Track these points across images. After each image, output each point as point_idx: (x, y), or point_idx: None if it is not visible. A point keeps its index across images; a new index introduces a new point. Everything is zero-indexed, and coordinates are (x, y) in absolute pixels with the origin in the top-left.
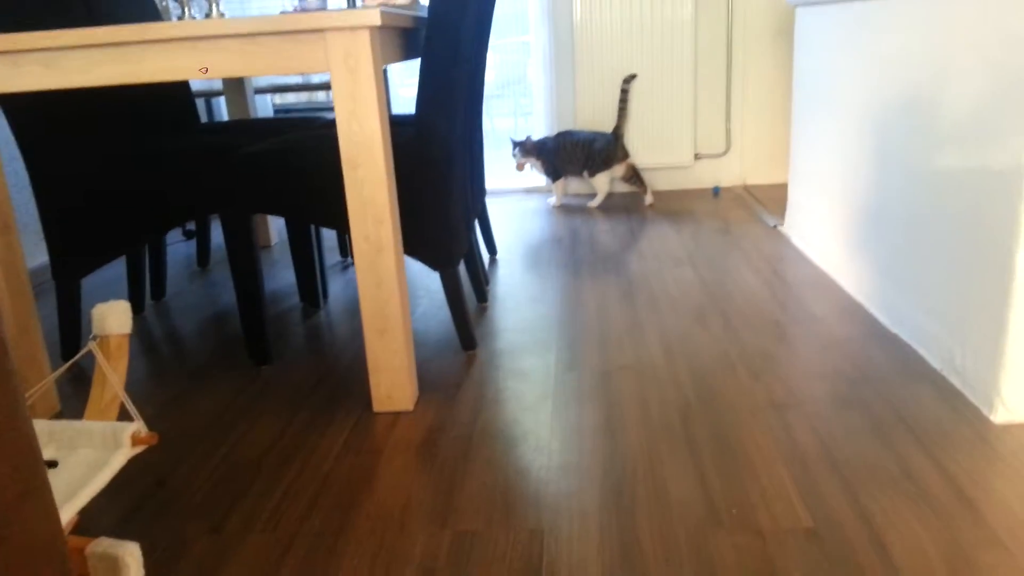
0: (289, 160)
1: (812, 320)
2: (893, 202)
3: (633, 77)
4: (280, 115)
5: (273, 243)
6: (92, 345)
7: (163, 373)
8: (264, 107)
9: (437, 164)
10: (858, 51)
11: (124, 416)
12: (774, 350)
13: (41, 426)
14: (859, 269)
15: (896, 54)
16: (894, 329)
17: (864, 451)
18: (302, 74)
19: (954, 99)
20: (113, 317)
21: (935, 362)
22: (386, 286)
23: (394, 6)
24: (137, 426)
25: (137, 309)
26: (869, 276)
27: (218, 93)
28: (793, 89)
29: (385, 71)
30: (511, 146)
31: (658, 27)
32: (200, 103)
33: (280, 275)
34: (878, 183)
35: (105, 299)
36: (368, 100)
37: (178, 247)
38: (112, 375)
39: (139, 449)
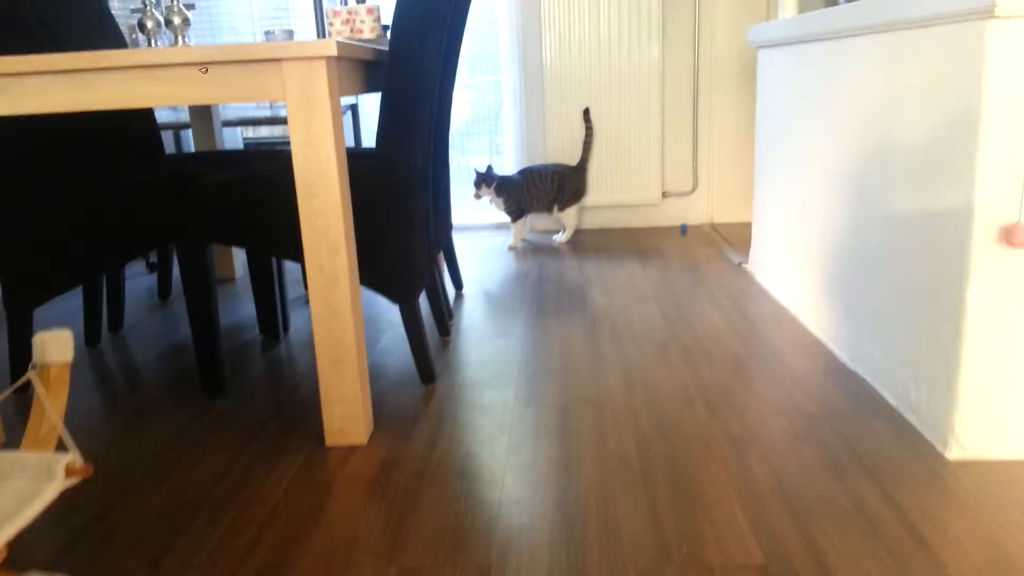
0: (247, 190)
1: (772, 356)
2: (851, 239)
3: (587, 111)
4: (249, 148)
5: (237, 276)
6: (32, 374)
7: (114, 406)
8: (234, 140)
9: (396, 196)
10: (814, 91)
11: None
12: (733, 385)
13: None
14: (819, 306)
15: (849, 95)
16: (852, 365)
17: (818, 487)
18: (260, 103)
19: (905, 138)
20: (54, 345)
21: (891, 399)
22: (340, 317)
23: (361, 39)
24: (71, 457)
25: (93, 341)
26: (829, 312)
27: (186, 126)
28: (756, 129)
29: (356, 107)
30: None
31: (626, 67)
32: (168, 136)
33: (243, 308)
34: (837, 220)
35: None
36: (324, 129)
37: (140, 279)
38: (50, 405)
39: (73, 481)
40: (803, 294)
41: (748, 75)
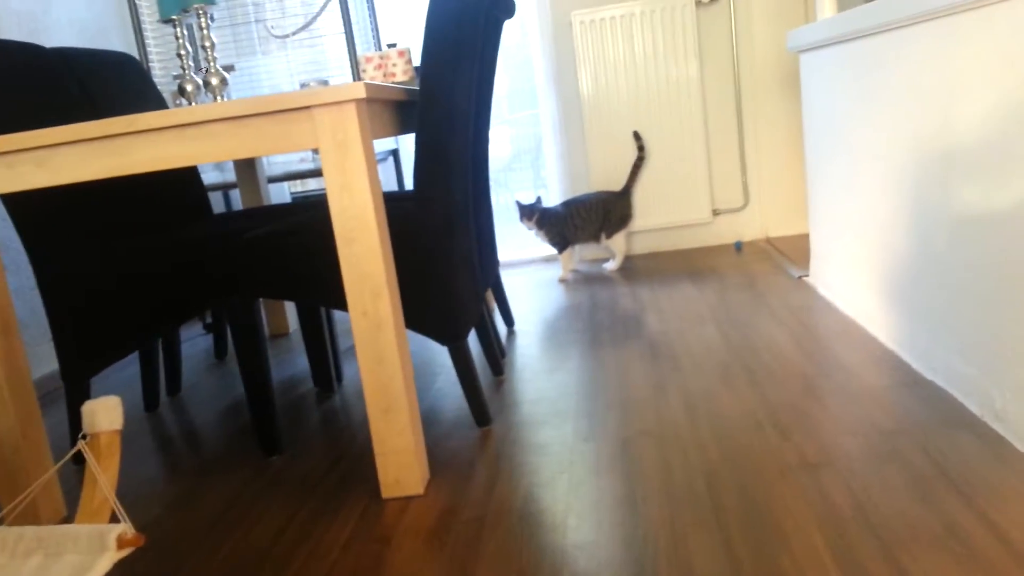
0: (285, 241)
1: (843, 371)
2: (917, 242)
3: (637, 133)
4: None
5: (291, 330)
6: (82, 444)
7: (173, 470)
8: (283, 196)
9: (437, 235)
10: (863, 91)
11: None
12: (803, 405)
13: (29, 532)
14: (890, 316)
15: (902, 90)
16: (929, 376)
17: (905, 510)
18: (303, 156)
19: (967, 130)
20: (103, 413)
21: (975, 408)
22: (388, 363)
23: (395, 83)
24: (123, 528)
25: (152, 406)
26: (901, 322)
27: (233, 185)
28: (805, 138)
29: (397, 152)
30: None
31: (664, 87)
32: (218, 196)
33: (297, 361)
34: (900, 223)
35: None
36: (358, 173)
37: (198, 341)
38: (101, 475)
39: (125, 552)
40: (870, 304)
41: (791, 82)
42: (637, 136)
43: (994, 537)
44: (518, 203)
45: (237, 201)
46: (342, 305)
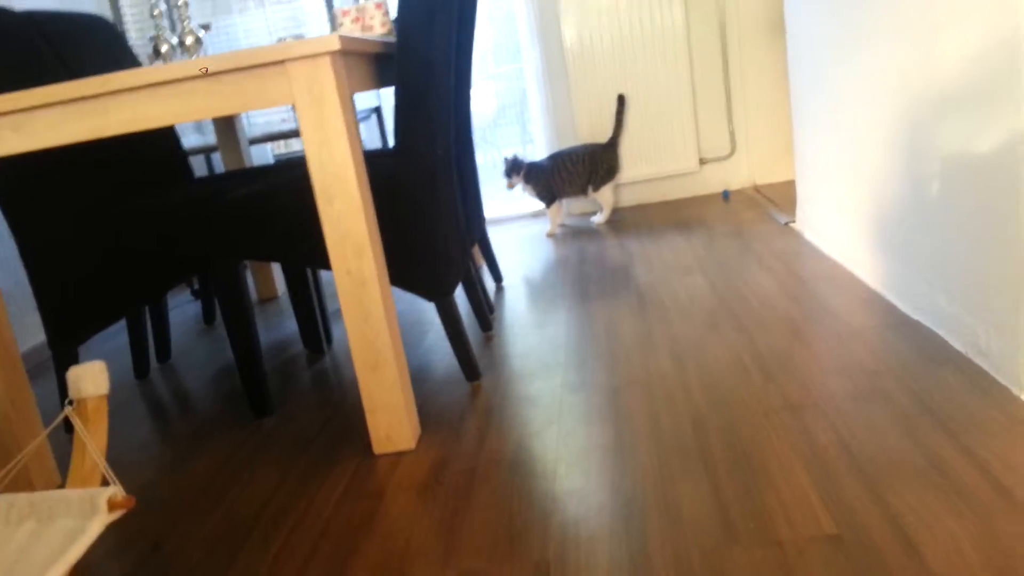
0: (266, 202)
1: (828, 314)
2: (900, 184)
3: (622, 96)
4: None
5: (280, 293)
6: (68, 410)
7: (165, 435)
8: (265, 158)
9: (420, 190)
10: (848, 32)
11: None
12: (789, 349)
13: (21, 499)
14: (875, 258)
15: (886, 30)
16: (914, 315)
17: (888, 446)
18: (284, 116)
19: (949, 68)
20: (88, 378)
21: (959, 345)
22: (373, 320)
23: (372, 36)
24: (113, 490)
25: (142, 373)
26: (885, 264)
27: (214, 148)
28: (790, 83)
29: (380, 109)
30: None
31: (649, 36)
32: (200, 160)
33: (286, 324)
34: (887, 169)
35: (110, 368)
36: (336, 128)
37: (187, 307)
38: (89, 440)
39: (117, 514)
40: (856, 247)
41: (777, 27)
42: (621, 99)
43: (977, 470)
44: (505, 159)
45: (219, 164)
46: (324, 264)
